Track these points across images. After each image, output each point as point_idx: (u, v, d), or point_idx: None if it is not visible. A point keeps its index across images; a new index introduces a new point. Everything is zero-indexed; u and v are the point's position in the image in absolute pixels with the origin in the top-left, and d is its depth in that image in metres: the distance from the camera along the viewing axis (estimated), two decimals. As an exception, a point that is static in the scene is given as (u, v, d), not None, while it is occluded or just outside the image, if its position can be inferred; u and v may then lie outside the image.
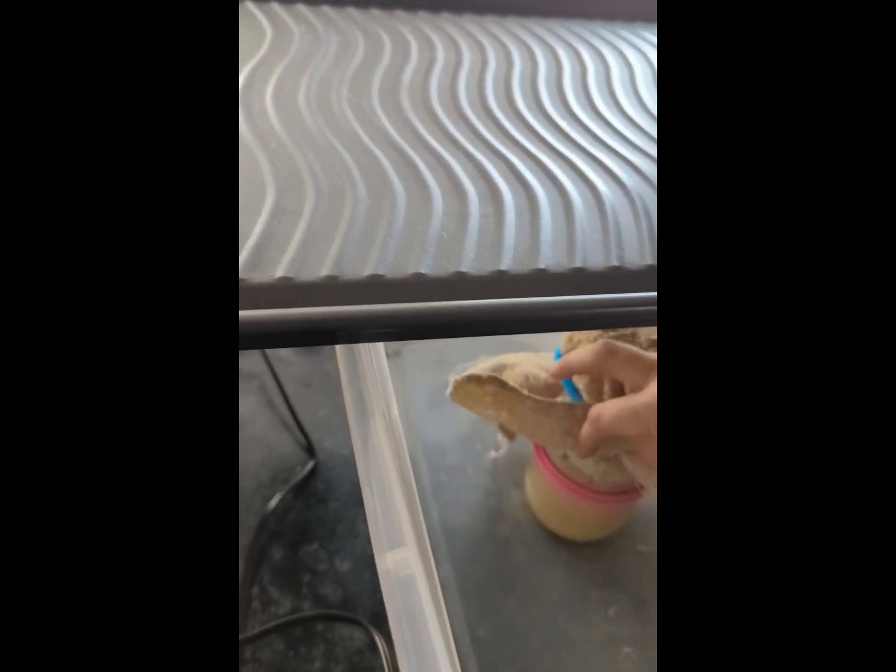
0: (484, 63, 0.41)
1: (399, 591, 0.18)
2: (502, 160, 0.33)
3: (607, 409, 0.36)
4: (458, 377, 0.42)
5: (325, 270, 0.25)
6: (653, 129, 0.38)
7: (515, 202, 0.30)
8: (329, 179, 0.29)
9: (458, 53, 0.42)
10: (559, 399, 0.42)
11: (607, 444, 0.39)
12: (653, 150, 0.36)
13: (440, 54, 0.41)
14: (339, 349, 0.25)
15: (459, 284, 0.26)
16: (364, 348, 0.26)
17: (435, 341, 0.65)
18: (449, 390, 0.42)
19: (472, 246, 0.27)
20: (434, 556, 0.48)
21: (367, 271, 0.25)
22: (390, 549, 0.19)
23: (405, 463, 0.24)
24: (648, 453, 0.36)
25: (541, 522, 0.51)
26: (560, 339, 0.46)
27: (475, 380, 0.41)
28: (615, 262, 0.28)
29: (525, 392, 0.41)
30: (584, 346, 0.42)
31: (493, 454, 0.54)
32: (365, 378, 0.24)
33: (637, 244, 0.29)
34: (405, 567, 0.18)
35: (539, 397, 0.41)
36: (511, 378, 0.44)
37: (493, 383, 0.41)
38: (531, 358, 0.45)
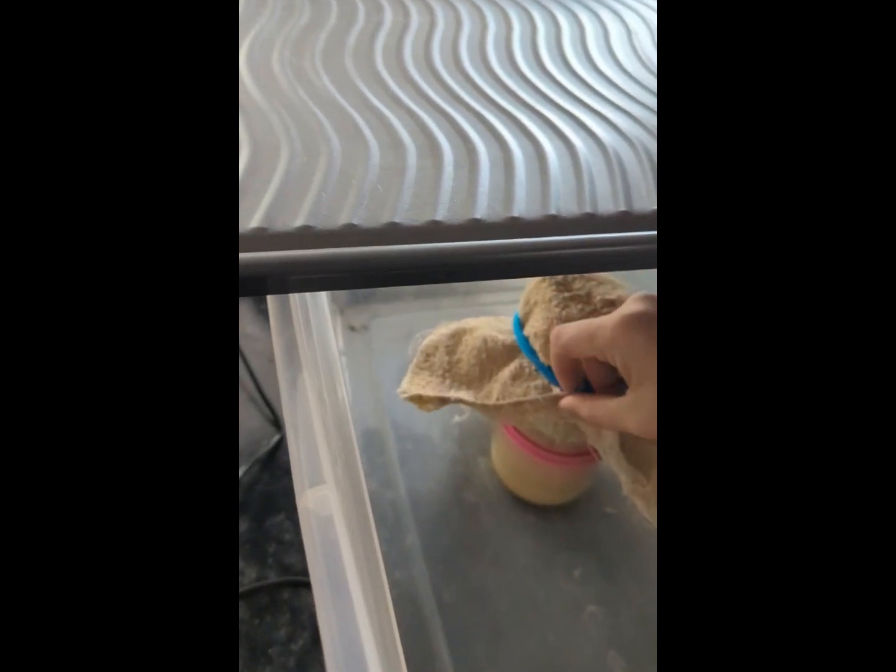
0: (432, 25, 0.41)
1: (317, 529, 0.18)
2: (444, 116, 0.32)
3: (567, 328, 0.36)
4: (404, 394, 0.42)
5: (253, 223, 0.24)
6: (602, 86, 0.38)
7: (455, 156, 0.30)
8: (264, 138, 0.29)
9: (406, 16, 0.41)
10: (517, 361, 0.42)
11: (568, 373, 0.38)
12: (601, 107, 0.36)
13: (388, 17, 0.41)
14: (271, 299, 0.25)
15: (392, 235, 0.26)
16: (294, 296, 0.26)
17: (403, 314, 0.65)
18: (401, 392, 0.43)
19: (407, 198, 0.27)
20: (399, 525, 0.49)
21: (297, 223, 0.25)
22: (311, 487, 0.19)
23: (342, 409, 0.24)
24: (594, 377, 0.37)
25: (507, 488, 0.51)
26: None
27: (416, 399, 0.42)
28: (552, 212, 0.28)
29: (469, 400, 0.41)
30: (540, 309, 0.42)
31: (457, 419, 0.54)
32: (293, 324, 0.24)
33: (574, 196, 0.29)
34: (325, 506, 0.18)
35: (485, 402, 0.41)
36: (470, 343, 0.44)
37: (435, 402, 0.42)
38: (490, 322, 0.46)
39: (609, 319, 0.33)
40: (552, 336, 0.37)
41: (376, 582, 0.20)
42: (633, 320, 0.33)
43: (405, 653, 0.42)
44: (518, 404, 0.40)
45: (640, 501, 0.38)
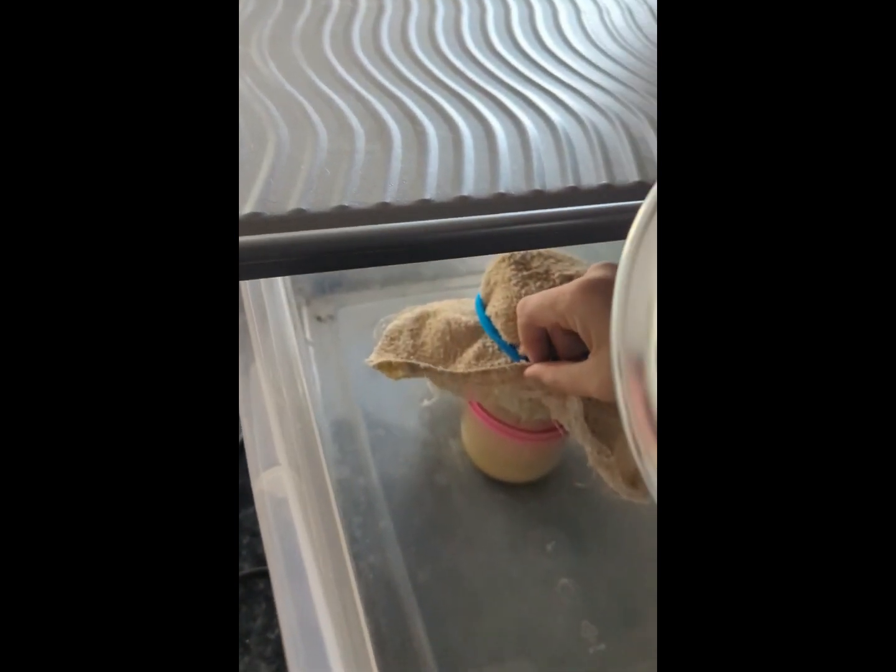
0: (380, 9, 0.41)
1: (272, 510, 0.18)
2: (392, 99, 0.33)
3: (532, 298, 0.37)
4: (372, 361, 0.42)
5: (201, 211, 0.24)
6: (551, 65, 0.38)
7: (403, 138, 0.30)
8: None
9: (354, 1, 0.41)
10: (481, 342, 0.43)
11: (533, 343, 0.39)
12: (550, 86, 0.36)
13: (335, 2, 0.41)
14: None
15: (341, 218, 0.26)
16: (246, 284, 0.26)
17: (370, 303, 0.65)
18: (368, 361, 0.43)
19: (356, 181, 0.27)
20: (373, 510, 0.49)
21: (245, 210, 0.25)
22: (265, 469, 0.19)
23: (302, 395, 0.24)
24: (560, 346, 0.37)
25: (479, 468, 0.52)
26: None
27: (386, 366, 0.42)
28: (501, 190, 0.28)
29: (438, 368, 0.42)
30: (500, 288, 0.42)
31: (426, 403, 0.55)
32: (244, 311, 0.24)
33: (523, 174, 0.29)
34: (279, 487, 0.19)
35: (453, 371, 0.41)
36: (434, 326, 0.44)
37: (404, 369, 0.42)
38: (453, 304, 0.46)
39: (570, 285, 0.34)
40: (518, 306, 0.38)
41: (337, 559, 0.20)
42: (593, 284, 0.33)
43: (383, 634, 0.43)
44: (486, 373, 0.41)
45: (604, 472, 0.39)
